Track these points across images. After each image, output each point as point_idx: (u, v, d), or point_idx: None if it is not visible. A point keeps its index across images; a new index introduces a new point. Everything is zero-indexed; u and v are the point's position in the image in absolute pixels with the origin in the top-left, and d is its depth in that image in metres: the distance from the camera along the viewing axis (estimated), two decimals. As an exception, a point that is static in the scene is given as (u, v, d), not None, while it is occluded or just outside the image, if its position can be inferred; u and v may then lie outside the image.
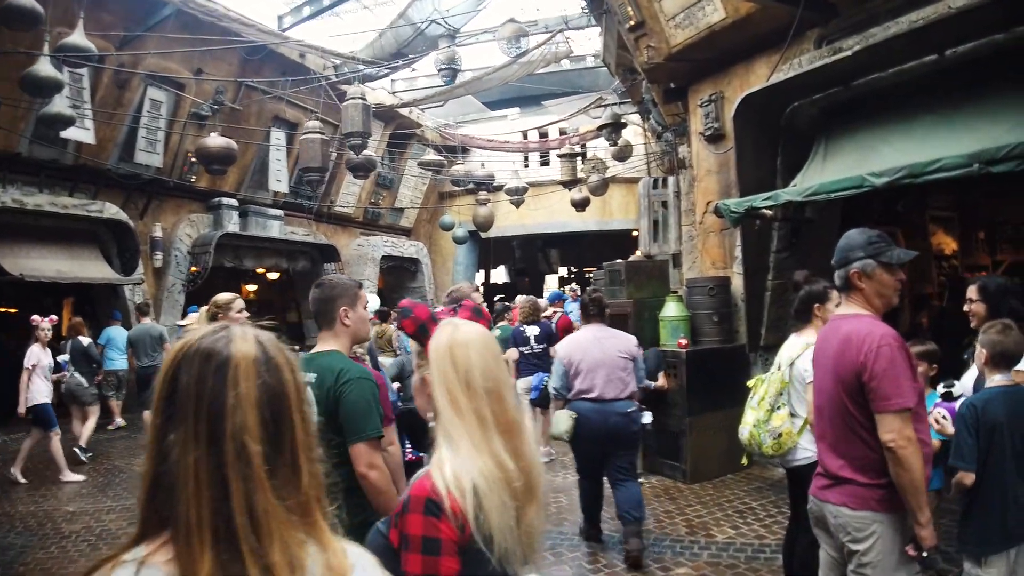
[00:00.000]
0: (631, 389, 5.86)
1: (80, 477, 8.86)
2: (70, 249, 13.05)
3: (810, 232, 8.16)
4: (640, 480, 7.66)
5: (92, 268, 13.09)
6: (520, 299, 9.94)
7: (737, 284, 8.27)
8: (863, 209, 9.30)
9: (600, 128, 14.13)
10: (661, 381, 7.63)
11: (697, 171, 9.30)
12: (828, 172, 6.68)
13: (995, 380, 3.50)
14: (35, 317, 8.91)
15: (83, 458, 9.61)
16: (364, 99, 10.52)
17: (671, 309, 7.93)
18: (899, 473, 2.77)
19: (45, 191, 12.62)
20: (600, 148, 18.44)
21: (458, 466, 1.74)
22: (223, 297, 5.15)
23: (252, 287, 21.15)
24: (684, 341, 7.68)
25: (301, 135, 10.76)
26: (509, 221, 21.93)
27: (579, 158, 17.40)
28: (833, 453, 3.07)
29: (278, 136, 16.02)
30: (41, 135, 11.80)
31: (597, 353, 5.89)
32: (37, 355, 8.64)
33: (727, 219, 6.52)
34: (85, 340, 10.38)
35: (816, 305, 4.41)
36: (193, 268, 16.59)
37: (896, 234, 9.76)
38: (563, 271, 31.16)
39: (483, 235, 22.43)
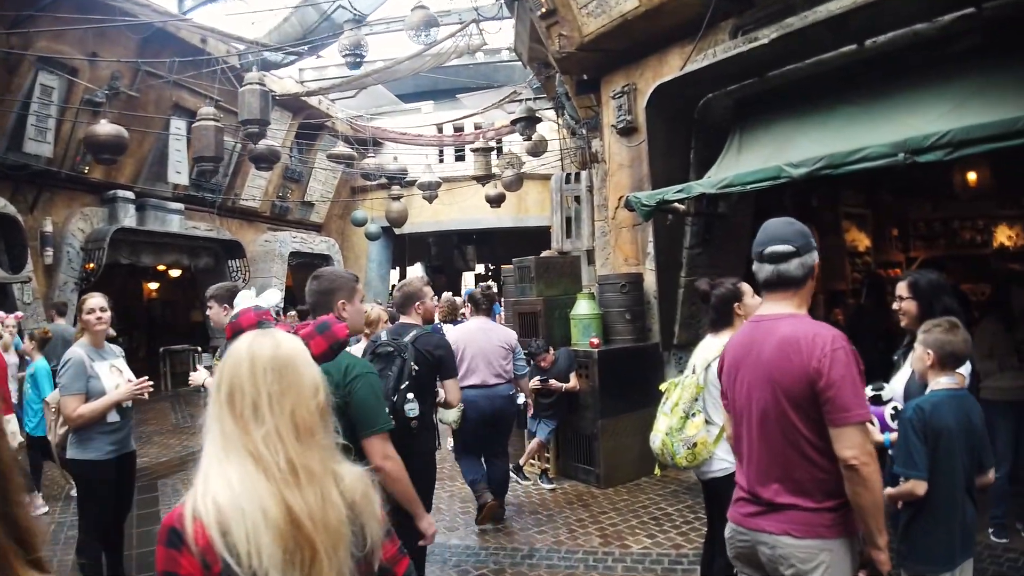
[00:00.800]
0: (509, 376, 6.34)
1: None
2: (-54, 245, 12.02)
3: (723, 227, 7.91)
4: (552, 484, 7.30)
5: (-32, 265, 12.07)
6: (443, 297, 9.79)
7: (650, 281, 7.96)
8: (777, 204, 9.10)
9: (514, 122, 13.70)
10: (572, 382, 7.25)
11: (610, 165, 8.97)
12: (743, 164, 6.40)
13: (941, 383, 3.18)
14: None
15: None
16: (263, 84, 9.89)
17: (582, 307, 7.57)
18: (859, 493, 2.42)
19: (-78, 182, 11.62)
20: (515, 143, 18.07)
21: (212, 492, 1.50)
22: (83, 298, 4.97)
23: (154, 285, 20.08)
24: (596, 340, 7.32)
25: (195, 122, 10.03)
26: (424, 217, 21.36)
27: (494, 153, 16.95)
28: (765, 475, 2.65)
29: (178, 125, 15.09)
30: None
31: (483, 342, 6.37)
32: None
33: (638, 213, 6.17)
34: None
35: (736, 304, 4.05)
36: (90, 265, 15.60)
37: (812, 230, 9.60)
38: (480, 268, 30.73)
39: (397, 231, 21.86)
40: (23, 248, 12.69)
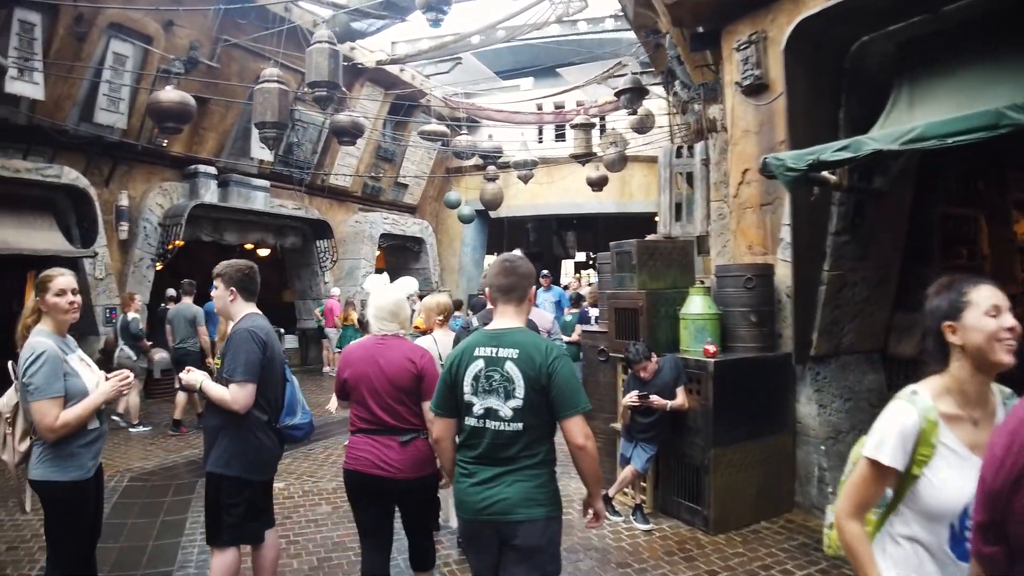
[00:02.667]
0: None
1: None
2: (20, 217, 11.22)
3: (877, 210, 6.12)
4: (648, 524, 5.75)
5: (41, 239, 11.26)
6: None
7: (783, 274, 6.23)
8: (940, 186, 7.21)
9: (619, 94, 12.05)
10: (680, 399, 5.62)
11: (732, 132, 7.24)
12: (919, 121, 4.63)
13: None
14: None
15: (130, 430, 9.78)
16: (333, 43, 8.57)
17: (696, 305, 5.89)
18: None
19: (-3, 154, 10.87)
20: (620, 120, 16.37)
21: None
22: (45, 274, 3.75)
23: (245, 264, 19.30)
24: (712, 348, 5.65)
25: (257, 84, 8.81)
26: (521, 200, 19.94)
27: (596, 130, 15.26)
28: None
29: (263, 99, 14.11)
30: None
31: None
32: None
33: (781, 181, 4.46)
34: (131, 315, 10.30)
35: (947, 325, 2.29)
36: (179, 242, 14.80)
37: (979, 219, 7.65)
38: (580, 256, 29.09)
39: (493, 215, 20.49)
40: (93, 222, 11.87)
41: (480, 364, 2.91)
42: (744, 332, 5.95)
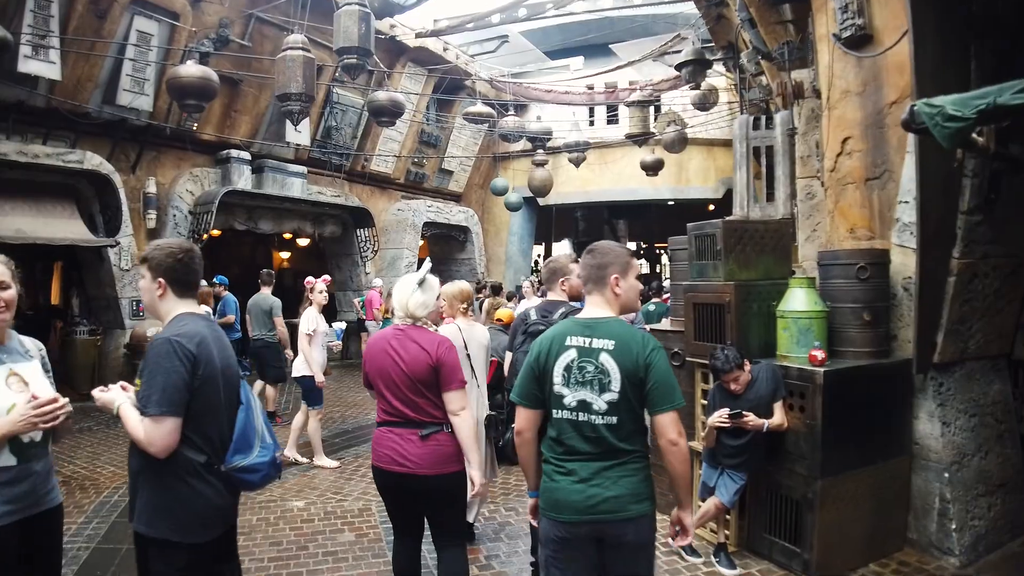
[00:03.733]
0: None
1: (334, 464, 7.56)
2: (38, 205, 10.49)
3: (1013, 187, 4.92)
4: (735, 569, 4.65)
5: (61, 228, 10.51)
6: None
7: (899, 262, 5.05)
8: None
9: (679, 67, 10.87)
10: (778, 417, 4.50)
11: (829, 94, 6.06)
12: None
13: None
14: (309, 279, 7.85)
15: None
16: (363, 4, 7.56)
17: (798, 299, 4.72)
18: None
19: (15, 138, 10.11)
20: (676, 99, 15.16)
21: None
22: None
23: (285, 254, 18.51)
24: (820, 353, 4.48)
25: (281, 53, 7.84)
26: (571, 187, 18.83)
27: (652, 108, 14.05)
28: None
29: (299, 80, 13.22)
30: (3, 74, 9.32)
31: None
32: (314, 319, 7.43)
33: (936, 134, 3.26)
34: (206, 309, 9.31)
35: None
36: (214, 232, 14.03)
37: None
38: (632, 245, 27.88)
39: (541, 202, 19.42)
40: (117, 210, 11.10)
41: (572, 354, 2.77)
42: (855, 334, 4.77)
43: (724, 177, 18.24)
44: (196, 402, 2.62)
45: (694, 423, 5.22)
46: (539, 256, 25.85)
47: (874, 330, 4.77)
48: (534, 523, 3.01)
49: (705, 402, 5.07)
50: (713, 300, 4.86)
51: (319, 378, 7.34)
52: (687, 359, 5.26)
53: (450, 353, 3.49)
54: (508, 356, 4.92)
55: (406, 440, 3.41)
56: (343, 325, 9.34)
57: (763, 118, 7.80)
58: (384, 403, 3.51)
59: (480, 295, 11.64)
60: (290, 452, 7.52)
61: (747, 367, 4.51)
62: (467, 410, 3.49)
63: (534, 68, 19.34)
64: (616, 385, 2.67)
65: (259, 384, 9.36)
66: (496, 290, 8.35)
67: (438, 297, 3.83)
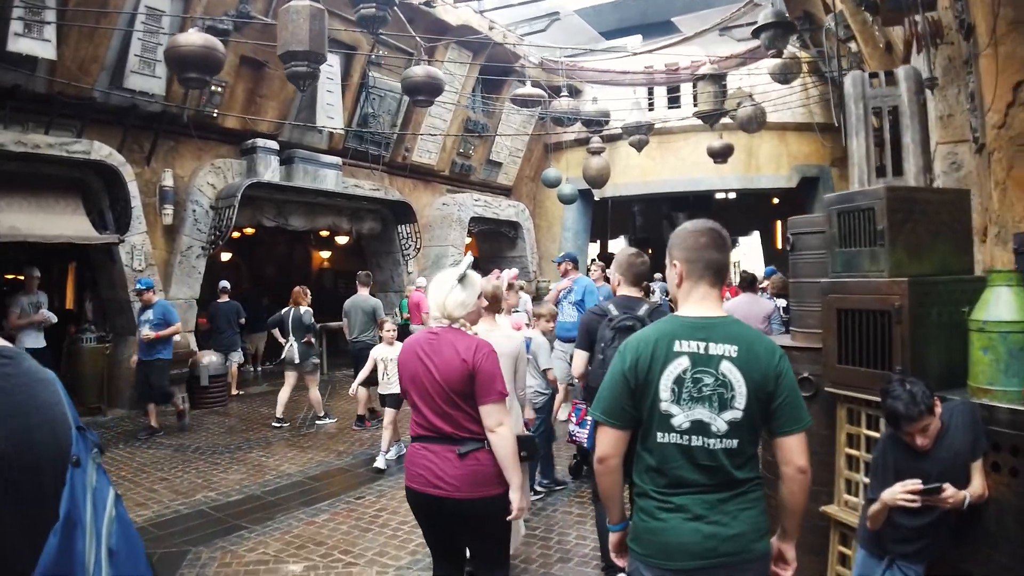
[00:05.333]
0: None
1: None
2: (40, 200, 9.32)
3: None
4: None
5: (62, 224, 9.30)
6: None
7: None
8: None
9: (757, 31, 9.18)
10: (978, 484, 2.83)
11: (993, 26, 4.39)
12: None
13: None
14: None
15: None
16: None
17: (1006, 305, 2.99)
18: None
19: (13, 127, 8.95)
20: (744, 77, 13.43)
21: None
22: None
23: (326, 253, 17.19)
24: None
25: (285, 4, 6.43)
26: (629, 177, 17.20)
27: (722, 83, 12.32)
28: None
29: (329, 63, 11.84)
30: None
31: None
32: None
33: None
34: (303, 308, 9.36)
35: None
36: (249, 230, 12.78)
37: None
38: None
39: (597, 195, 17.81)
40: (126, 205, 9.85)
41: (684, 363, 2.21)
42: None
43: (798, 164, 16.44)
44: None
45: (833, 479, 3.59)
46: (594, 254, 24.20)
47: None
48: (619, 562, 2.50)
49: (853, 452, 3.45)
50: (874, 305, 3.17)
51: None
52: (825, 389, 3.61)
53: (489, 360, 3.02)
54: (580, 355, 4.41)
55: (442, 458, 3.00)
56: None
57: (881, 74, 6.14)
58: (418, 415, 3.10)
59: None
60: (381, 460, 7.16)
61: (938, 409, 2.87)
62: (506, 426, 3.00)
63: (587, 49, 17.68)
64: (741, 401, 2.20)
65: (353, 386, 8.44)
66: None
67: (479, 296, 3.28)
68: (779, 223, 25.10)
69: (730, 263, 2.17)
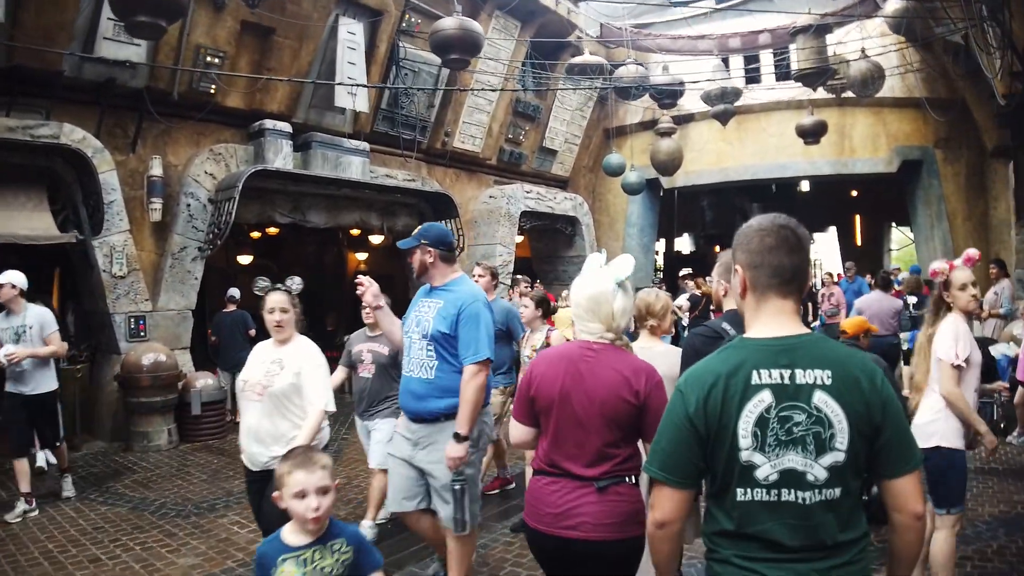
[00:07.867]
0: None
1: None
2: (-6, 192, 7.62)
3: None
4: None
5: (17, 221, 7.56)
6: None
7: None
8: None
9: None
10: None
11: None
12: None
13: None
14: None
15: None
16: None
17: None
18: None
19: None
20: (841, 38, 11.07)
21: None
22: None
23: (362, 256, 15.28)
24: None
25: None
26: (701, 164, 14.95)
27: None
28: None
29: (351, 30, 9.91)
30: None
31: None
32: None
33: None
34: None
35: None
36: (272, 230, 10.94)
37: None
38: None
39: (666, 185, 15.57)
40: (98, 199, 8.04)
41: (766, 399, 1.71)
42: None
43: (899, 146, 13.94)
44: None
45: None
46: (662, 252, 21.87)
47: None
48: None
49: None
50: None
51: None
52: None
53: (659, 390, 2.46)
54: None
55: (578, 493, 2.44)
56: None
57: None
58: (554, 445, 2.51)
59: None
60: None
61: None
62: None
63: (652, 19, 15.42)
64: (842, 440, 1.68)
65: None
66: (542, 303, 5.37)
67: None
68: (858, 217, 22.40)
69: (809, 267, 1.48)
